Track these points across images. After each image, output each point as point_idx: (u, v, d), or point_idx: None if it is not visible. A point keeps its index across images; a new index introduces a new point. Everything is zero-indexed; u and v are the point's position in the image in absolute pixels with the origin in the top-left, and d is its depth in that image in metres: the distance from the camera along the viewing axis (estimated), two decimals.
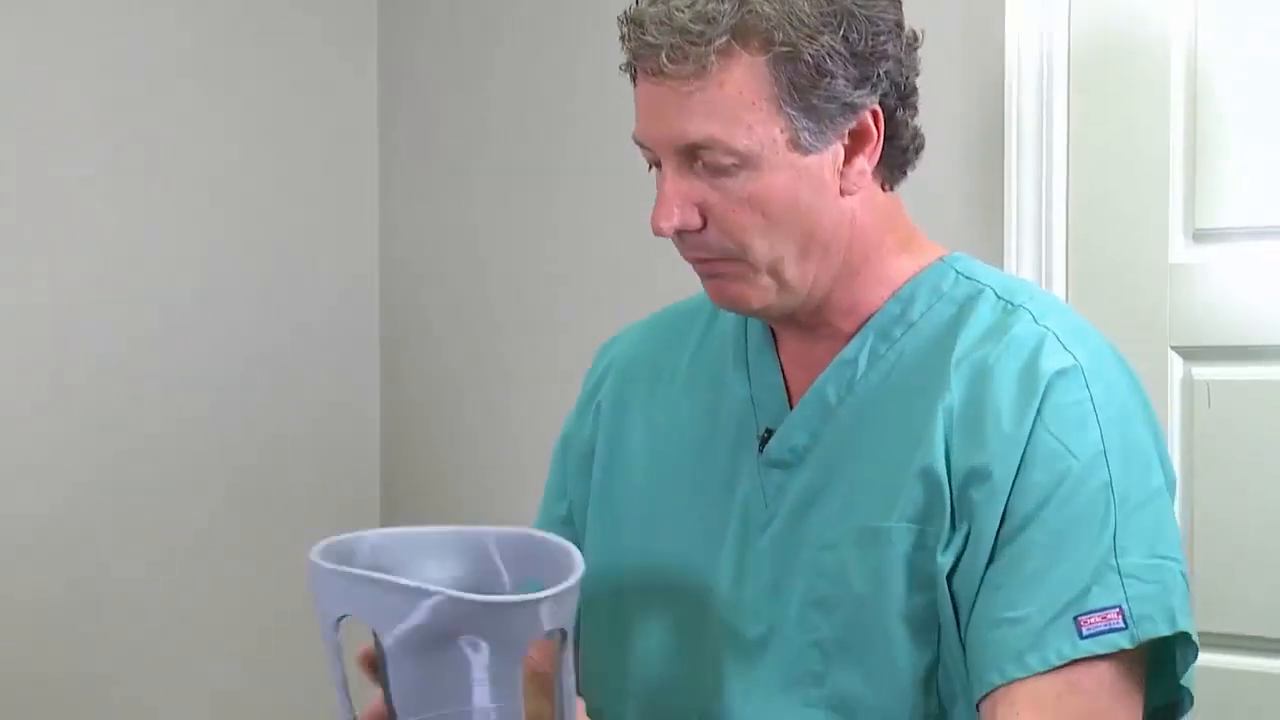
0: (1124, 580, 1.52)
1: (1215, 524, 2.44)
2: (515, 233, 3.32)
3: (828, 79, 1.54)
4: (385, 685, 1.45)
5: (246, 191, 3.36)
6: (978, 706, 1.54)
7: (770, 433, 1.65)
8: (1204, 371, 2.47)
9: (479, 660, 1.40)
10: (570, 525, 1.79)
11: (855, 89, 1.55)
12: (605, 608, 1.70)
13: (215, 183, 3.32)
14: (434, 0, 3.42)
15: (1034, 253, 2.55)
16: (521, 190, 3.30)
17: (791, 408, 1.65)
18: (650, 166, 1.60)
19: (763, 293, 1.59)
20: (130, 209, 3.22)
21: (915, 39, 1.61)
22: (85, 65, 3.16)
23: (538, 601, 1.40)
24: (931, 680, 1.56)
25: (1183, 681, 1.57)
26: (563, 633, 1.44)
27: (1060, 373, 1.56)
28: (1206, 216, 2.46)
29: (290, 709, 3.36)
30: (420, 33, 3.44)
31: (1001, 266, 2.54)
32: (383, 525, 3.39)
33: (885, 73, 1.57)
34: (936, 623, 1.56)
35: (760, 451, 1.65)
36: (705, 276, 1.61)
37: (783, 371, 1.67)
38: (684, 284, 1.73)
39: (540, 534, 1.53)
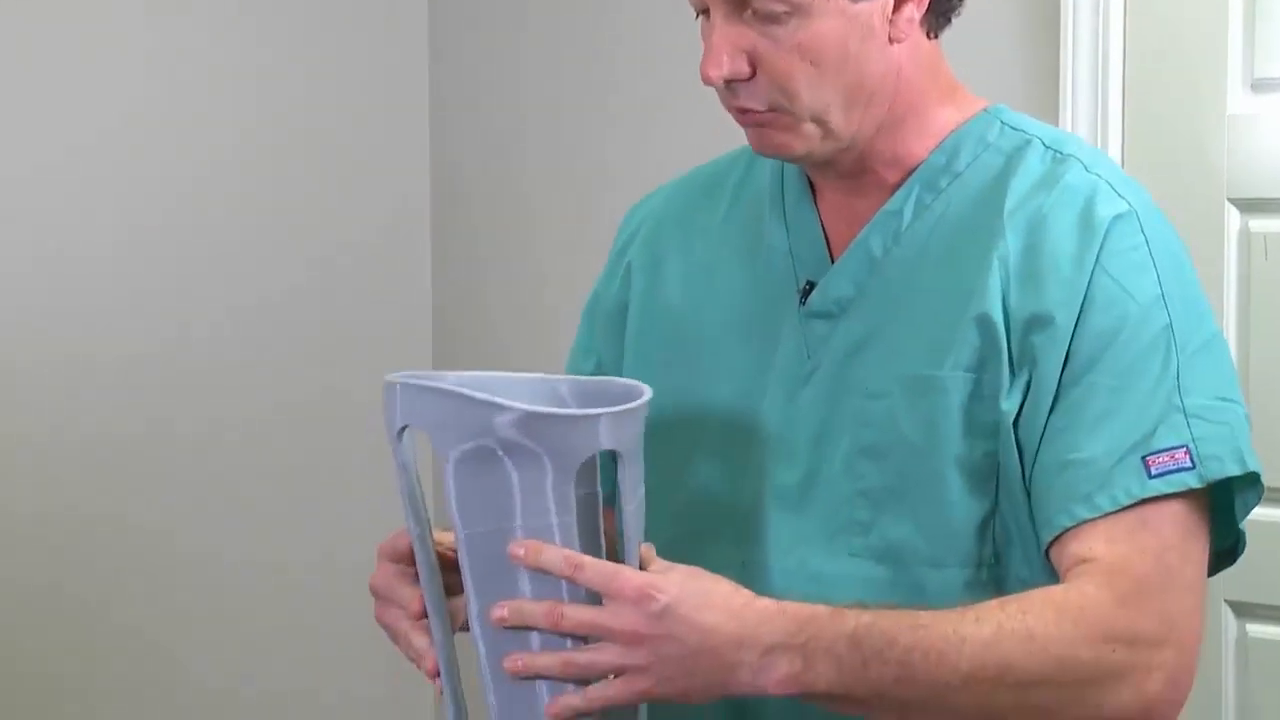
0: (1189, 420, 1.52)
1: (1270, 376, 2.43)
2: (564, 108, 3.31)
3: None
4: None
5: (297, 97, 3.38)
6: (1046, 552, 1.54)
7: (812, 285, 1.64)
8: (1261, 224, 2.45)
9: (539, 476, 1.42)
10: None
11: None
12: (648, 451, 1.71)
13: (264, 91, 3.34)
14: None
15: (1089, 104, 2.53)
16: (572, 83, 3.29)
17: (832, 260, 1.65)
18: (697, 15, 1.59)
19: (806, 140, 1.58)
20: (182, 119, 3.25)
21: None
22: None
23: (597, 417, 1.43)
24: (988, 527, 1.56)
25: (1240, 524, 1.57)
26: (615, 455, 1.46)
27: (1118, 218, 1.56)
28: (1266, 66, 2.43)
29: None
30: None
31: (1056, 120, 2.52)
32: None
33: None
34: (995, 471, 1.56)
35: (802, 304, 1.65)
36: (747, 126, 1.60)
37: (822, 224, 1.67)
38: None
39: (612, 378, 1.55)
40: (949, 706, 1.47)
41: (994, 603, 1.48)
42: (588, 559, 1.44)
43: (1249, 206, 2.45)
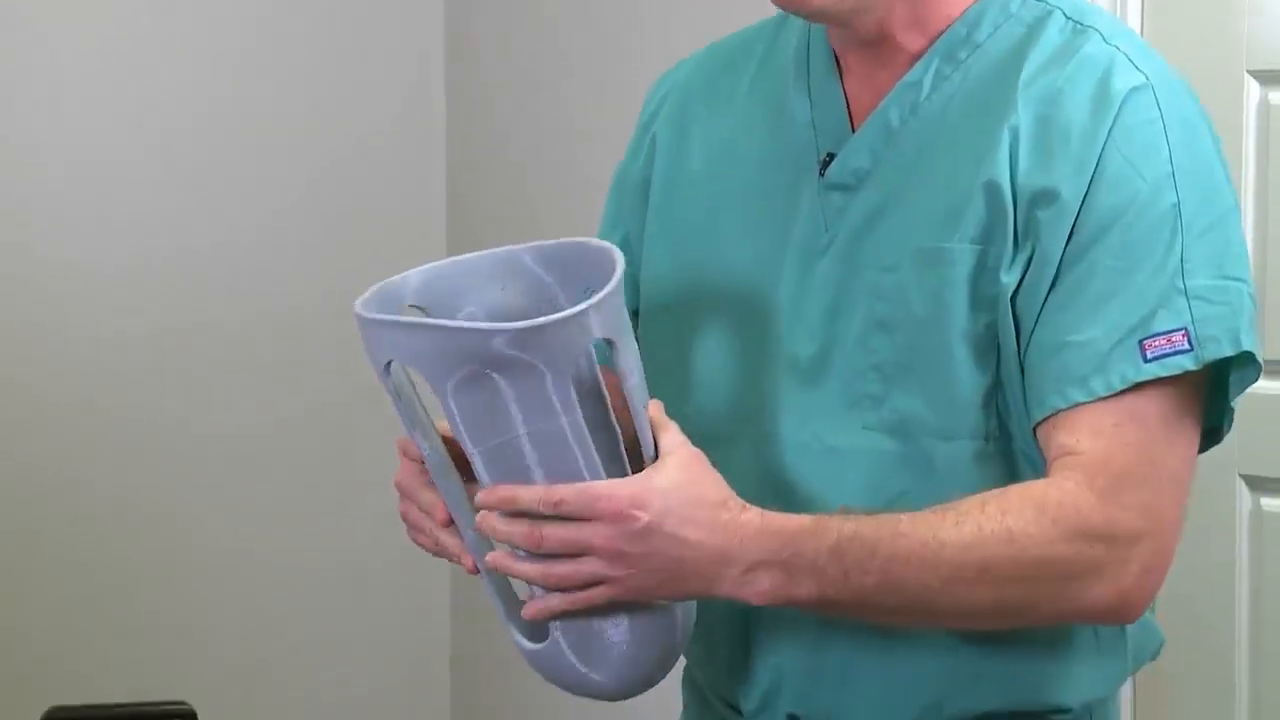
0: (1190, 302, 1.51)
1: None
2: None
3: None
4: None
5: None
6: (1034, 431, 1.54)
7: (832, 156, 1.64)
8: None
9: (538, 383, 1.42)
10: (626, 253, 1.78)
11: None
12: (667, 321, 1.71)
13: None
14: None
15: None
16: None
17: (854, 131, 1.64)
18: None
19: None
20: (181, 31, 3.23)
21: None
22: None
23: (585, 312, 1.42)
24: (992, 401, 1.56)
25: (1232, 403, 1.56)
26: (609, 343, 1.46)
27: (1134, 91, 1.54)
28: None
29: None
30: None
31: None
32: None
33: None
34: (995, 343, 1.56)
35: (821, 175, 1.64)
36: None
37: (845, 96, 1.66)
38: None
39: (575, 239, 1.54)
40: (928, 608, 1.49)
41: (975, 501, 1.49)
42: (564, 490, 1.43)
43: (1269, 79, 2.44)
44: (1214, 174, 1.57)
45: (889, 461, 1.58)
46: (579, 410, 1.44)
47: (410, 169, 3.47)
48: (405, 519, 1.60)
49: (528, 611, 1.49)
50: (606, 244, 1.50)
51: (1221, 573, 2.45)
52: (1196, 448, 1.56)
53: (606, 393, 1.52)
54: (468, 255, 1.56)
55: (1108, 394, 1.50)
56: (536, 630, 1.53)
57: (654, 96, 1.81)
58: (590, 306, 1.42)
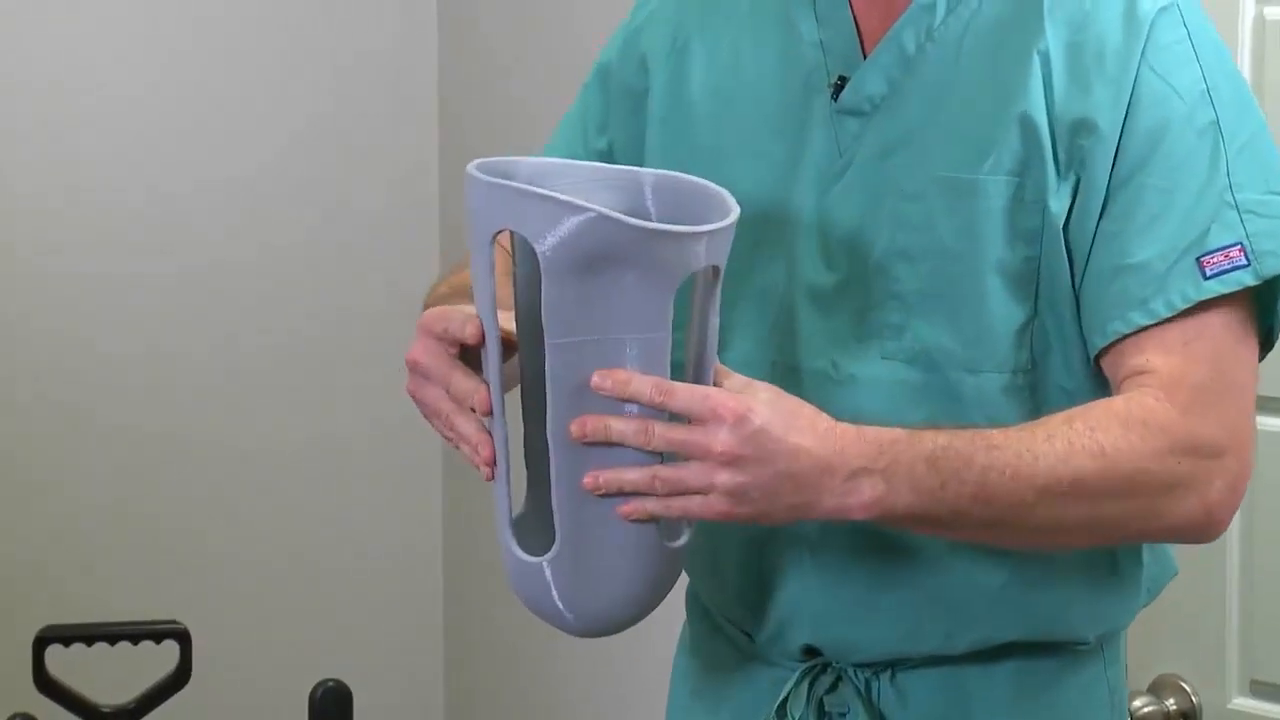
0: (1243, 216, 1.52)
1: None
2: None
3: None
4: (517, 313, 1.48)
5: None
6: (1098, 359, 1.55)
7: (844, 80, 1.61)
8: (1277, 11, 2.42)
9: (632, 288, 1.41)
10: (613, 162, 1.74)
11: None
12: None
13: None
14: None
15: None
16: None
17: (865, 54, 1.62)
18: None
19: None
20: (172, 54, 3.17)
21: None
22: None
23: (699, 235, 1.41)
24: (1025, 333, 1.56)
25: None
26: (715, 270, 1.45)
27: (1162, 10, 1.54)
28: None
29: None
30: None
31: None
32: None
33: None
34: (1035, 276, 1.55)
35: (834, 99, 1.62)
36: None
37: (854, 14, 1.63)
38: None
39: (695, 178, 1.52)
40: (1023, 522, 1.48)
41: (1060, 418, 1.49)
42: (678, 385, 1.42)
43: None
44: (1244, 90, 1.58)
45: (909, 391, 1.58)
46: (669, 329, 1.43)
47: (403, 179, 3.42)
48: (420, 399, 1.53)
49: (624, 509, 1.44)
50: (724, 191, 1.48)
51: None
52: (1258, 357, 1.56)
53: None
54: (585, 162, 1.56)
55: (1170, 314, 1.50)
56: (535, 544, 1.50)
57: (641, 6, 1.77)
58: (708, 230, 1.41)
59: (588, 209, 1.39)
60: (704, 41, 1.70)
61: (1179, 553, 1.70)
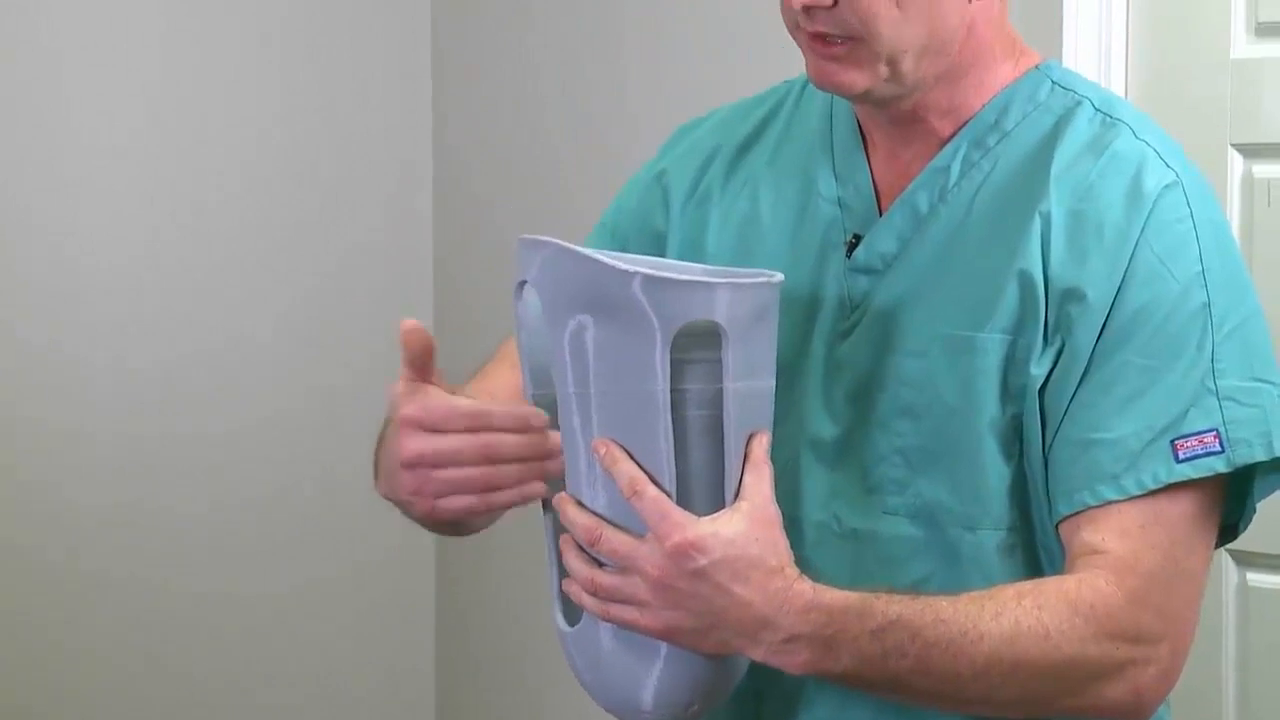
0: (1221, 403, 1.51)
1: (1273, 325, 2.42)
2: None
3: None
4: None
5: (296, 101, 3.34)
6: (1057, 526, 1.54)
7: (858, 238, 1.62)
8: (1265, 169, 2.44)
9: (659, 341, 1.43)
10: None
11: None
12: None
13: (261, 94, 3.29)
14: None
15: (1094, 47, 2.51)
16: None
17: (880, 212, 1.62)
18: None
19: (873, 79, 1.55)
20: (178, 107, 3.20)
21: None
22: None
23: (713, 286, 1.44)
24: (1015, 491, 1.56)
25: (1256, 505, 1.57)
26: (723, 333, 1.45)
27: (1166, 188, 1.54)
28: (1270, 10, 2.42)
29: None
30: None
31: (1060, 62, 2.50)
32: None
33: None
34: (1019, 435, 1.55)
35: (848, 257, 1.62)
36: (814, 54, 1.56)
37: (871, 174, 1.64)
38: None
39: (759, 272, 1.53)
40: (955, 695, 1.49)
41: (1011, 592, 1.49)
42: (650, 490, 1.44)
43: (1252, 152, 2.44)
44: (1241, 274, 1.58)
45: (911, 547, 1.57)
46: (684, 381, 1.45)
47: (397, 261, 3.44)
48: (438, 473, 1.51)
49: (566, 586, 1.49)
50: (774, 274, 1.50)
51: (1208, 649, 2.44)
52: (1213, 547, 1.56)
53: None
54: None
55: (1140, 493, 1.50)
56: (573, 613, 1.53)
57: (667, 152, 1.78)
58: (725, 281, 1.44)
59: (583, 254, 1.44)
60: (725, 192, 1.71)
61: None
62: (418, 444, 1.51)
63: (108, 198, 3.13)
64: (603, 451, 1.45)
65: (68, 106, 3.09)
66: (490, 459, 1.51)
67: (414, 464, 1.51)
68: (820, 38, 1.55)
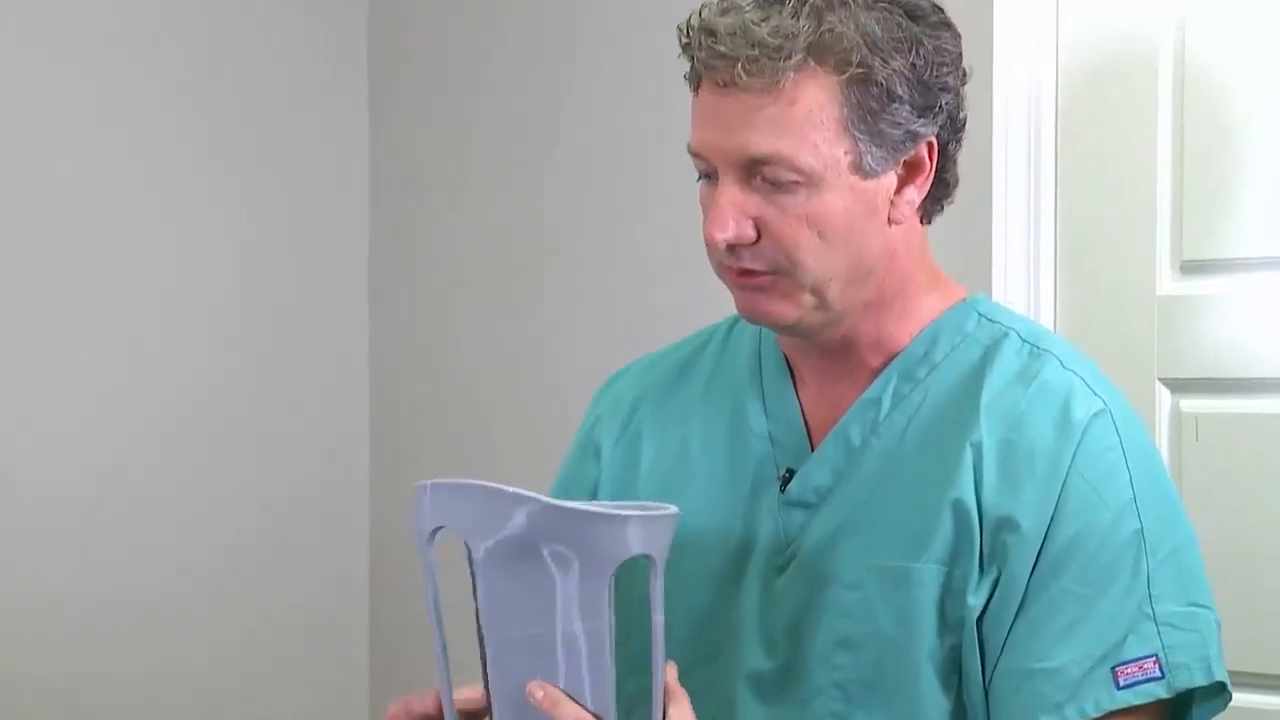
0: (1160, 629, 1.53)
1: (1205, 558, 2.43)
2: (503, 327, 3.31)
3: (896, 104, 1.53)
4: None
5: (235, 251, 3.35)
6: None
7: (791, 473, 1.63)
8: (1192, 404, 2.46)
9: (567, 578, 1.42)
10: None
11: (919, 117, 1.55)
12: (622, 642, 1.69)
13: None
14: (420, 53, 3.41)
15: (1023, 283, 2.55)
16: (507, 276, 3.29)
17: (812, 446, 1.64)
18: (700, 176, 1.59)
19: (800, 309, 1.57)
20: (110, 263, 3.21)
21: (966, 75, 1.61)
22: (74, 101, 3.14)
23: (625, 519, 1.42)
24: None
25: None
26: (651, 559, 1.45)
27: (1095, 417, 1.56)
28: (1194, 248, 2.46)
29: None
30: (410, 80, 3.43)
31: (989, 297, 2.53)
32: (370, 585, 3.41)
33: (945, 104, 1.57)
34: (958, 666, 1.55)
35: (782, 491, 1.63)
36: (741, 289, 1.59)
37: (801, 409, 1.66)
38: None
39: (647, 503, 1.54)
40: None
41: None
42: None
43: (1179, 387, 2.47)
44: (1172, 500, 1.59)
45: None
46: (606, 618, 1.44)
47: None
48: None
49: None
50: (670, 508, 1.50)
51: None
52: None
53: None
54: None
55: None
56: None
57: (599, 400, 1.81)
58: (636, 515, 1.43)
59: (517, 495, 1.42)
60: (655, 429, 1.73)
61: None
62: None
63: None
64: (541, 695, 1.44)
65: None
66: None
67: None
68: (746, 272, 1.57)
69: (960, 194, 2.57)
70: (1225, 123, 2.43)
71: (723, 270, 1.59)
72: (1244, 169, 2.41)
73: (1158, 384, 2.47)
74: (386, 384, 3.45)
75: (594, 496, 1.74)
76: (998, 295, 2.54)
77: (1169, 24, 2.46)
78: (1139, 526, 1.54)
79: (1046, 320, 2.53)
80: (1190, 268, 2.46)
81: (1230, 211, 2.42)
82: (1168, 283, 2.47)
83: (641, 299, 3.00)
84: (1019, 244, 2.56)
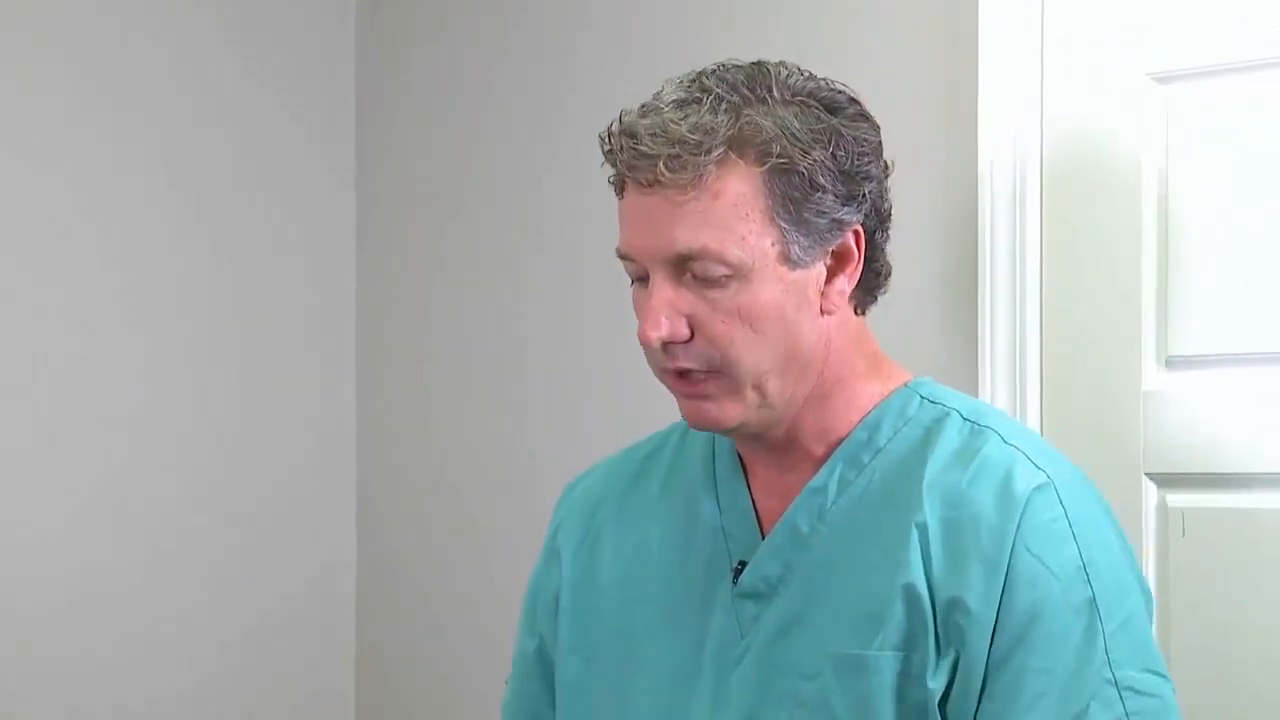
0: (1122, 693, 1.53)
1: (1192, 652, 2.43)
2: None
3: (819, 193, 1.55)
4: None
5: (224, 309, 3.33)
6: None
7: (744, 564, 1.64)
8: (1178, 499, 2.46)
9: None
10: (542, 660, 1.78)
11: (843, 205, 1.57)
12: None
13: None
14: (409, 130, 3.43)
15: (1008, 379, 2.56)
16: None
17: (763, 537, 1.64)
18: (633, 281, 1.60)
19: (744, 408, 1.58)
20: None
21: (888, 167, 1.62)
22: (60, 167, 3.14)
23: None
24: None
25: None
26: None
27: (1037, 489, 1.57)
28: (1179, 344, 2.47)
29: None
30: (395, 158, 3.45)
31: (975, 394, 2.54)
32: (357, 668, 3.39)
33: (868, 193, 1.58)
34: None
35: (734, 583, 1.64)
36: (684, 396, 1.60)
37: (753, 500, 1.67)
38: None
39: None
40: None
41: None
42: None
43: (1166, 481, 2.47)
44: (1122, 569, 1.59)
45: None
46: None
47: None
48: None
49: None
50: None
51: None
52: None
53: None
54: None
55: None
56: None
57: (561, 506, 1.82)
58: None
59: None
60: (615, 530, 1.74)
61: None
62: None
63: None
64: None
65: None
66: None
67: None
68: (685, 377, 1.58)
69: (946, 290, 2.62)
70: (1208, 220, 2.45)
71: (663, 375, 1.61)
72: (1228, 265, 2.43)
73: (1144, 479, 2.47)
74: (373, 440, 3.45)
75: (557, 602, 1.75)
76: (983, 390, 2.56)
77: (1154, 122, 2.48)
78: (1090, 595, 1.55)
79: (1032, 416, 2.54)
80: (1175, 363, 2.47)
81: (1215, 306, 2.44)
82: (1153, 378, 2.48)
83: (632, 404, 3.01)
84: (1004, 340, 2.57)
